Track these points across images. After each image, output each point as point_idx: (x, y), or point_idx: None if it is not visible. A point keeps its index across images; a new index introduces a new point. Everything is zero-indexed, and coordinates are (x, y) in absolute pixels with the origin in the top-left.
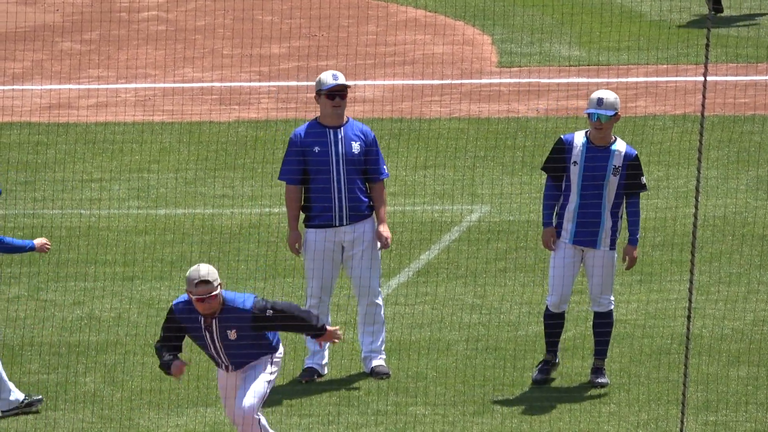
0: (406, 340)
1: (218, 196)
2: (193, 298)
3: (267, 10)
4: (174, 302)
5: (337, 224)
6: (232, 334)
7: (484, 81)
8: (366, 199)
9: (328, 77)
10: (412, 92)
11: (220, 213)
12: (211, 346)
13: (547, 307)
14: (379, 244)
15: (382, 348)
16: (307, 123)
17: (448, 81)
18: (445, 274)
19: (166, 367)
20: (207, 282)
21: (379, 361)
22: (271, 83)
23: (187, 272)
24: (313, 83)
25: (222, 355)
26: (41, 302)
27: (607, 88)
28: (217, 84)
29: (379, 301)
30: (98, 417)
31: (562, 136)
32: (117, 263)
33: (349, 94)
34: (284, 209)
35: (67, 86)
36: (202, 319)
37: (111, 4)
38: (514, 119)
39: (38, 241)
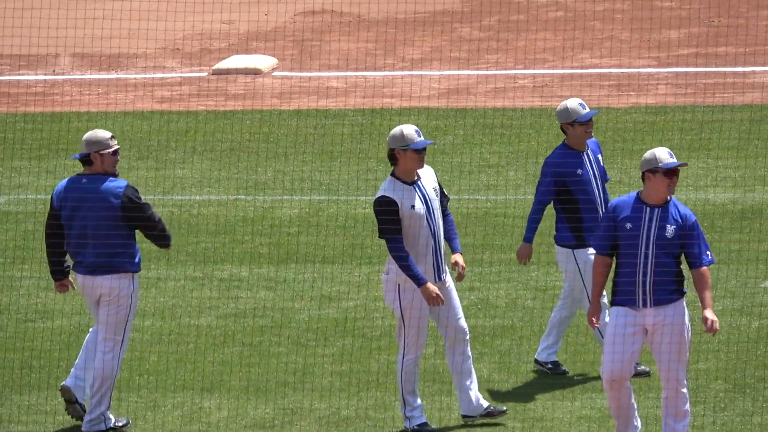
0: None
1: (615, 182)
2: None
3: None
4: None
5: (640, 306)
6: None
7: None
8: (675, 284)
9: (665, 155)
10: None
11: None
12: None
13: None
14: (704, 327)
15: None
16: (628, 195)
17: None
18: None
19: None
20: None
21: None
22: (669, 69)
23: None
24: (713, 69)
25: None
26: None
27: None
28: (614, 70)
29: (684, 390)
30: (489, 401)
31: None
32: (512, 249)
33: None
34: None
35: (465, 72)
36: None
37: None
38: None
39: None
